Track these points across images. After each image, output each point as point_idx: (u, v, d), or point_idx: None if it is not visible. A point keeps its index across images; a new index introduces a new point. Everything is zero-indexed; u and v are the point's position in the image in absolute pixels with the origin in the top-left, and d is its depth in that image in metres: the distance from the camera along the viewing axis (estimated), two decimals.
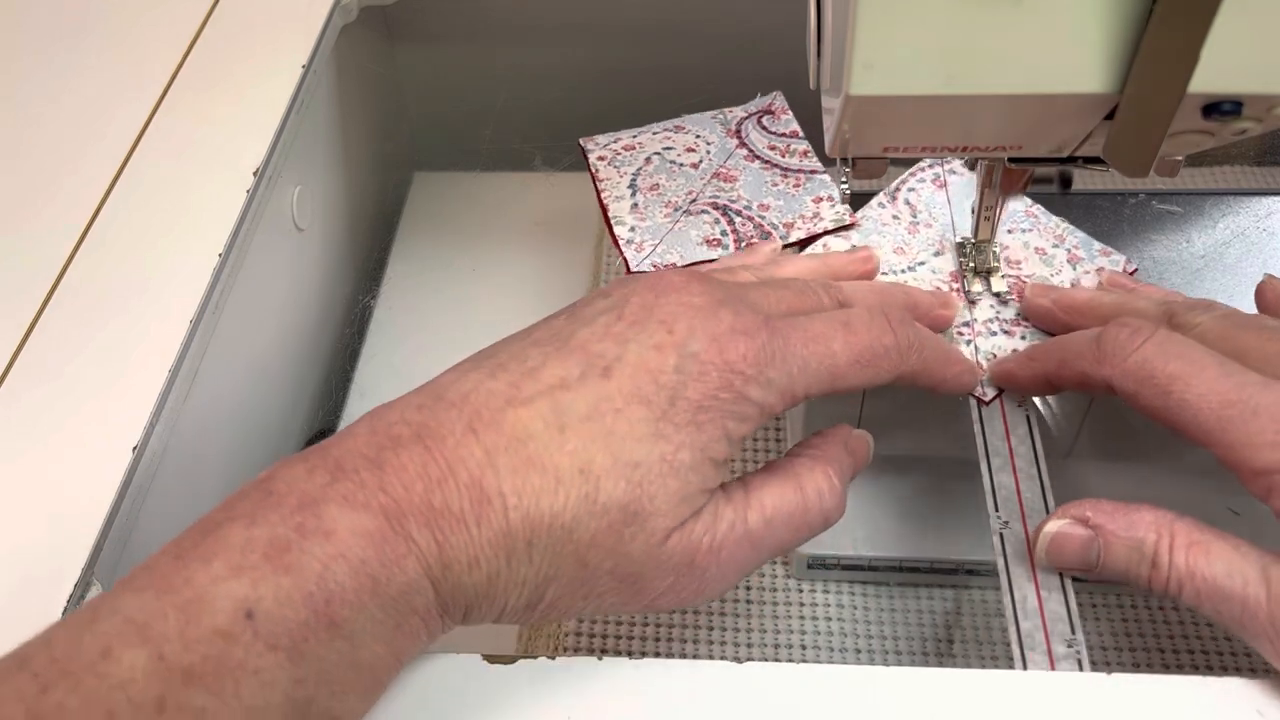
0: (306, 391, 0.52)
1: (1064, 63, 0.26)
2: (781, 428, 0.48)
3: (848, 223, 0.42)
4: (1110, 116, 0.27)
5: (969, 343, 0.38)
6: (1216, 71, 0.25)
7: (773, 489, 0.30)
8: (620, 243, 0.42)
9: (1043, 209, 0.42)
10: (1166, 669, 0.40)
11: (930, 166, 0.44)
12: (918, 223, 0.42)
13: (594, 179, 0.45)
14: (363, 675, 0.25)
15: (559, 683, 0.29)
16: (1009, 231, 0.41)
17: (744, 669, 0.29)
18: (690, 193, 0.43)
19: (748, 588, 0.43)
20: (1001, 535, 0.33)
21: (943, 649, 0.41)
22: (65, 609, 0.30)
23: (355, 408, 0.51)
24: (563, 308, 0.32)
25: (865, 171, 0.35)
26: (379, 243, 0.60)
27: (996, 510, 0.34)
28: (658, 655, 0.41)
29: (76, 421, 0.34)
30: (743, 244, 0.42)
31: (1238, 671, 0.40)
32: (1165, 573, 0.29)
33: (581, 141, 0.47)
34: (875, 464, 0.44)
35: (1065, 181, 0.37)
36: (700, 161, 0.45)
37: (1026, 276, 0.40)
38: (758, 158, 0.45)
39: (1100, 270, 0.39)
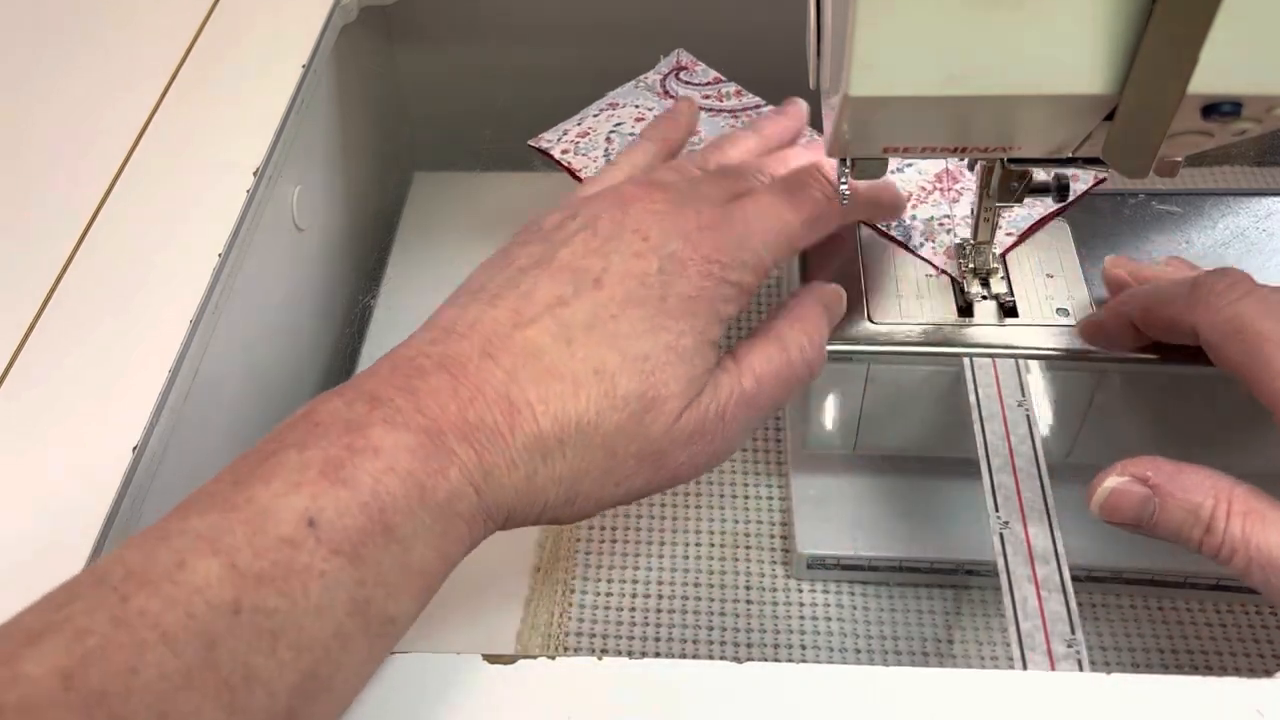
0: (306, 391, 0.52)
1: (1064, 63, 0.26)
2: (781, 415, 0.48)
3: (818, 140, 0.44)
4: (1110, 117, 0.27)
5: (949, 231, 0.41)
6: (1216, 72, 0.25)
7: (758, 352, 0.33)
8: None
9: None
10: (1166, 669, 0.40)
11: None
12: None
13: (570, 171, 0.46)
14: (414, 578, 0.27)
15: (559, 683, 0.29)
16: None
17: (744, 669, 0.29)
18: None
19: (748, 588, 0.43)
20: (1001, 535, 0.33)
21: (943, 649, 0.41)
22: None
23: None
24: (524, 230, 0.34)
25: (865, 171, 0.35)
26: (379, 243, 0.60)
27: (996, 510, 0.34)
28: (658, 655, 0.41)
29: (76, 421, 0.34)
30: None
31: (1237, 671, 0.40)
32: (1219, 538, 0.29)
33: (533, 143, 0.49)
34: (875, 464, 0.44)
35: (1061, 190, 0.37)
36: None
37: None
38: (702, 109, 0.47)
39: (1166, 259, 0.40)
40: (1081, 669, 0.30)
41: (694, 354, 0.31)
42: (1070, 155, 0.31)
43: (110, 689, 0.22)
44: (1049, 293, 0.40)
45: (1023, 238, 0.41)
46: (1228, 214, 0.42)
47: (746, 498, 0.46)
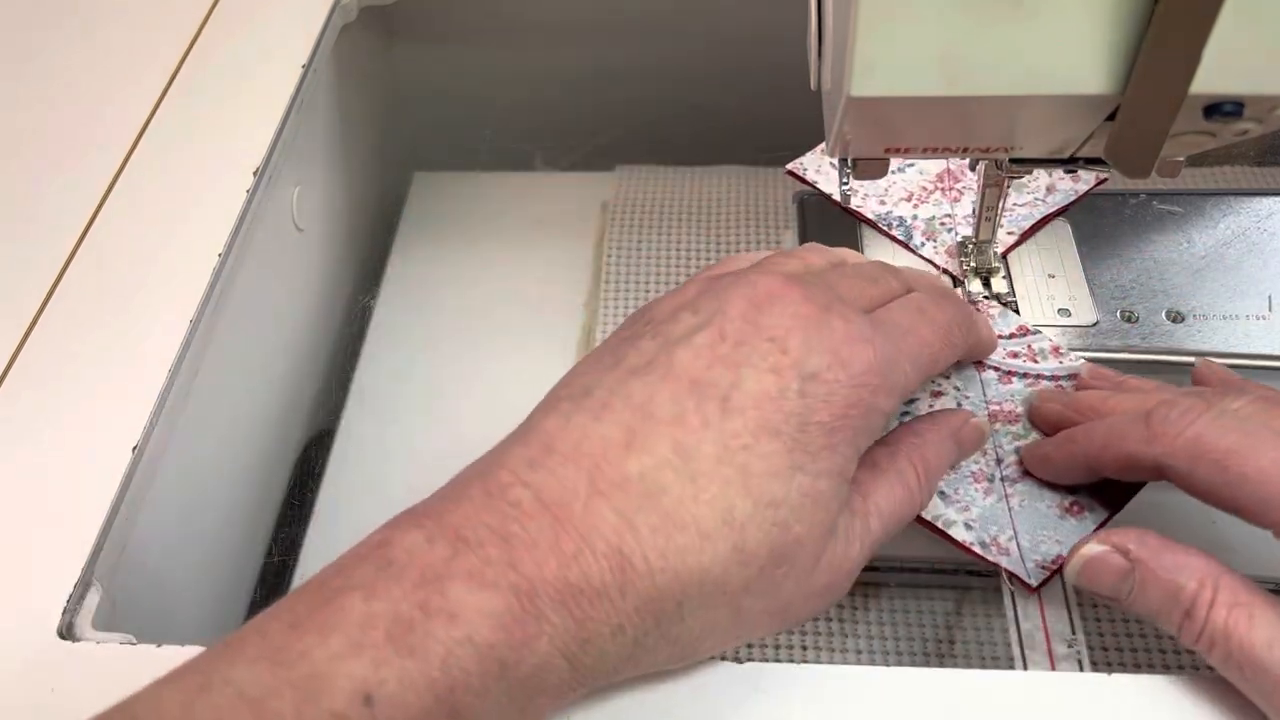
0: (306, 392, 0.52)
1: (1065, 64, 0.26)
2: None
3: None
4: (1111, 118, 0.27)
5: (950, 230, 0.39)
6: (1218, 72, 0.25)
7: (882, 489, 0.30)
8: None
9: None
10: (1166, 669, 0.40)
11: None
12: None
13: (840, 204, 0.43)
14: None
15: None
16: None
17: (744, 669, 0.29)
18: (984, 451, 0.35)
19: None
20: None
21: (943, 649, 0.41)
22: (65, 609, 0.30)
23: (355, 408, 0.51)
24: (631, 321, 0.30)
25: (866, 171, 0.35)
26: (379, 243, 0.60)
27: None
28: None
29: (76, 421, 0.34)
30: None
31: None
32: (1199, 626, 0.27)
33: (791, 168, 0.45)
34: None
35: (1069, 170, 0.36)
36: (960, 405, 0.37)
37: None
38: (1011, 374, 0.37)
39: (1085, 368, 0.37)
40: (1082, 669, 0.30)
41: (831, 498, 0.27)
42: (1072, 155, 0.31)
43: None
44: (1050, 293, 0.40)
45: (1024, 237, 0.41)
46: (1229, 214, 0.42)
47: None
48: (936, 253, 0.41)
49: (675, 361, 0.27)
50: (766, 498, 0.26)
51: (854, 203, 0.44)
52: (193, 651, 0.29)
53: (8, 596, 0.30)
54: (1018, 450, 0.35)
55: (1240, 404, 0.29)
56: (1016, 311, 0.39)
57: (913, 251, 0.41)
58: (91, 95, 0.45)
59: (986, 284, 0.40)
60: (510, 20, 0.62)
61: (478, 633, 0.23)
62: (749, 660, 0.29)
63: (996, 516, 0.33)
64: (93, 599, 0.31)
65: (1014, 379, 0.37)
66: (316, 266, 0.53)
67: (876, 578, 0.43)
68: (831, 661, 0.41)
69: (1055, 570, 0.32)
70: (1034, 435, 0.35)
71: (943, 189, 0.44)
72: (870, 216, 0.43)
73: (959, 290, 0.40)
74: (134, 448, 0.33)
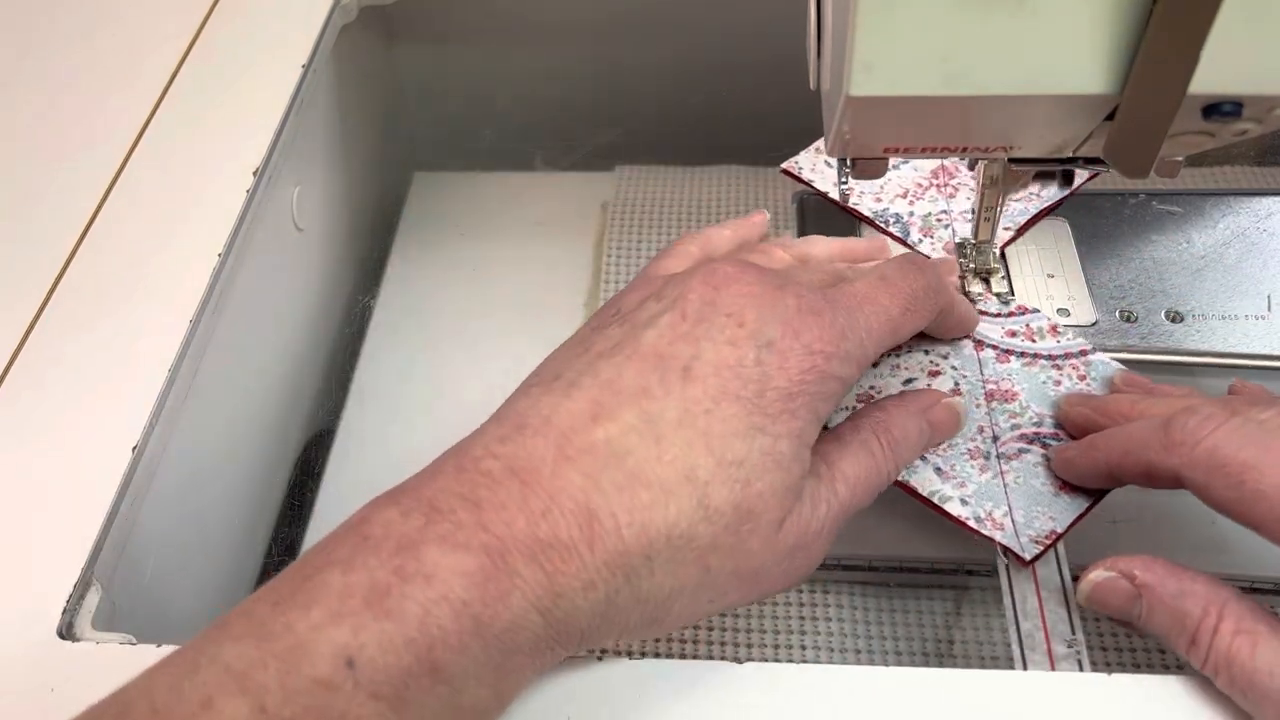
0: (306, 391, 0.52)
1: (1064, 64, 0.26)
2: None
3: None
4: (1110, 117, 0.27)
5: (947, 226, 0.39)
6: (1216, 72, 0.25)
7: (847, 458, 0.31)
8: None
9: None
10: (1166, 669, 0.40)
11: None
12: None
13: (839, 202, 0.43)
14: (465, 718, 0.24)
15: (560, 683, 0.29)
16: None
17: (744, 669, 0.29)
18: (981, 429, 0.36)
19: None
20: None
21: (943, 649, 0.41)
22: (65, 608, 0.30)
23: (355, 408, 0.51)
24: (599, 313, 0.31)
25: (865, 171, 0.35)
26: (379, 243, 0.60)
27: None
28: (658, 655, 0.41)
29: (76, 421, 0.34)
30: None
31: None
32: (1204, 653, 0.27)
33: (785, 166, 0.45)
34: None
35: (1067, 178, 0.37)
36: (958, 384, 0.37)
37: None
38: (1010, 353, 0.38)
39: (1119, 376, 0.37)
40: (1081, 669, 0.30)
41: (792, 460, 0.28)
42: (1071, 155, 0.31)
43: None
44: (1049, 292, 0.40)
45: (1021, 231, 0.41)
46: (1228, 214, 0.42)
47: None
48: (934, 249, 0.41)
49: (641, 341, 0.28)
50: (728, 457, 0.27)
51: (851, 200, 0.44)
52: None
53: (8, 596, 0.30)
54: (1014, 428, 0.35)
55: (1269, 415, 0.29)
56: None
57: (909, 247, 0.41)
58: (91, 95, 0.45)
59: (986, 284, 0.40)
60: (510, 20, 0.62)
61: (452, 591, 0.24)
62: (749, 660, 0.29)
63: (992, 493, 0.34)
64: (93, 599, 0.31)
65: (1011, 358, 0.37)
66: (316, 266, 0.53)
67: (876, 578, 0.43)
68: (831, 661, 0.41)
69: (1049, 545, 0.32)
70: (1029, 413, 0.36)
71: (938, 185, 0.44)
72: (867, 214, 0.43)
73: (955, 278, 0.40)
74: (134, 448, 0.34)
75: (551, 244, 0.57)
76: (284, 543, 0.47)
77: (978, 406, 0.36)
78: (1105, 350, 0.38)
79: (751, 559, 0.27)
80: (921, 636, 0.41)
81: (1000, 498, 0.34)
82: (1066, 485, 0.34)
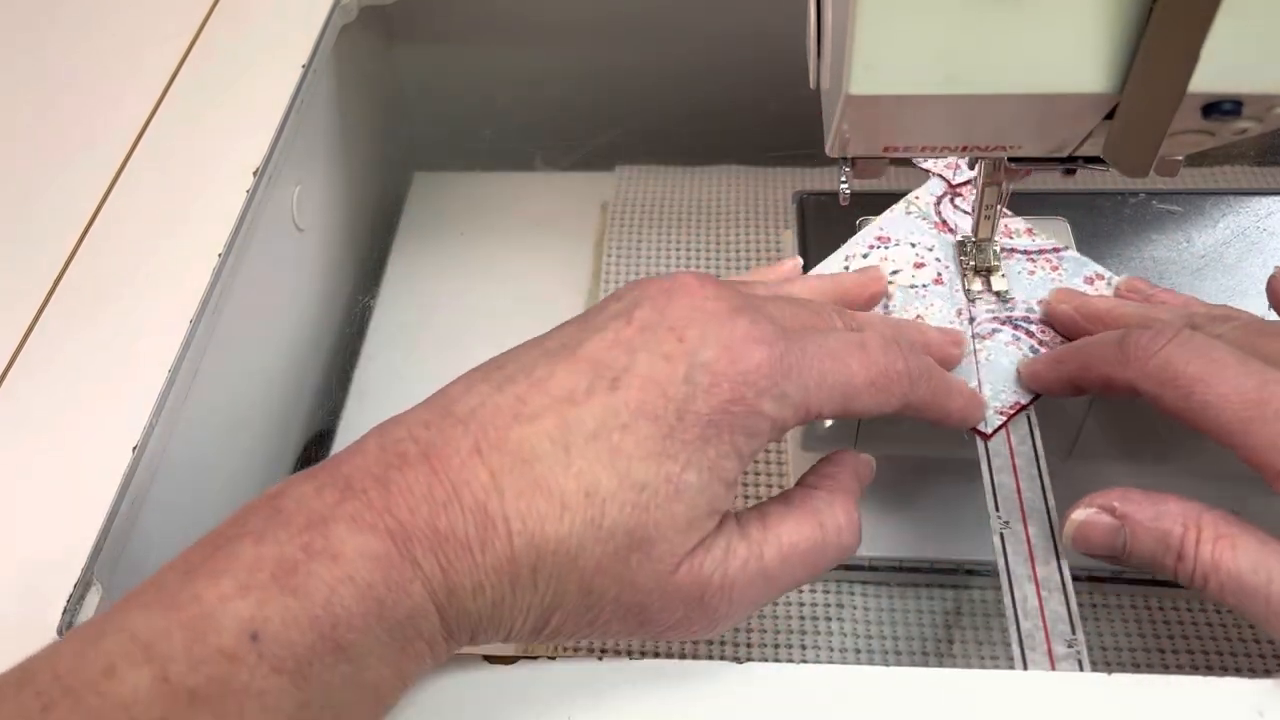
0: (306, 391, 0.52)
1: (1064, 63, 0.26)
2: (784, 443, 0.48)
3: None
4: (1110, 116, 0.27)
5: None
6: (1216, 71, 0.25)
7: (790, 525, 0.29)
8: None
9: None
10: (1166, 669, 0.40)
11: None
12: None
13: None
14: (366, 698, 0.25)
15: (559, 683, 0.29)
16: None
17: (744, 669, 0.29)
18: (959, 312, 0.38)
19: None
20: (1001, 535, 0.33)
21: (943, 649, 0.41)
22: (65, 609, 0.30)
23: (355, 408, 0.51)
24: (582, 312, 0.31)
25: (865, 171, 0.35)
26: (379, 243, 0.60)
27: (997, 510, 0.34)
28: (658, 655, 0.41)
29: (76, 421, 0.34)
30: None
31: (1238, 671, 0.40)
32: (1190, 565, 0.29)
33: None
34: (875, 464, 0.44)
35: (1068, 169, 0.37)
36: (941, 274, 0.39)
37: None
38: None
39: (1122, 281, 0.39)
40: (1082, 669, 0.30)
41: (697, 492, 0.27)
42: (1070, 154, 0.31)
43: None
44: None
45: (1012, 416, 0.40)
46: (1228, 213, 0.42)
47: (746, 498, 0.46)
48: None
49: (583, 344, 0.28)
50: (632, 478, 0.26)
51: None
52: None
53: (8, 596, 0.30)
54: (989, 311, 0.38)
55: (1224, 329, 0.31)
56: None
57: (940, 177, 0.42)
58: (92, 95, 0.45)
59: (986, 282, 0.40)
60: (510, 20, 0.62)
61: (357, 573, 0.24)
62: (749, 660, 0.29)
63: (964, 371, 0.37)
64: (93, 598, 0.31)
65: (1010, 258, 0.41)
66: (316, 266, 0.53)
67: (876, 577, 0.43)
68: (831, 661, 0.41)
69: (1011, 416, 0.36)
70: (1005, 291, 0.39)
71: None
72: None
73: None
74: (134, 448, 0.34)
75: (551, 244, 0.57)
76: None
77: (957, 292, 0.39)
78: None
79: (637, 592, 0.26)
80: (921, 636, 0.41)
81: (971, 374, 0.36)
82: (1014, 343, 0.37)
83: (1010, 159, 0.35)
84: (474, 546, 0.25)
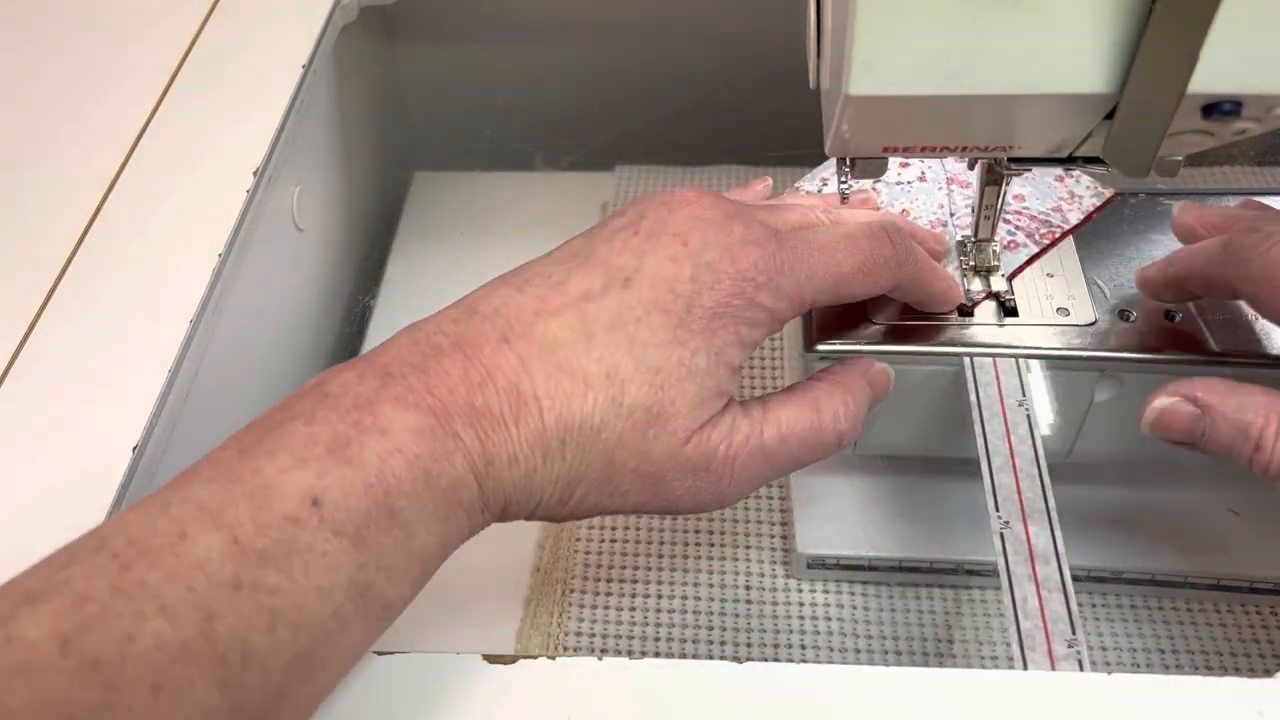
0: None
1: (1064, 63, 0.26)
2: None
3: (1108, 195, 0.42)
4: (1110, 116, 0.27)
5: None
6: (1216, 71, 0.25)
7: (790, 408, 0.32)
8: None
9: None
10: (1166, 669, 0.40)
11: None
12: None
13: None
14: (414, 563, 0.27)
15: (559, 683, 0.29)
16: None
17: (744, 669, 0.29)
18: (941, 205, 0.42)
19: (748, 588, 0.43)
20: (1001, 535, 0.33)
21: (943, 649, 0.41)
22: None
23: None
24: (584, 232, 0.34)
25: (865, 171, 0.35)
26: (379, 243, 0.60)
27: (996, 510, 0.34)
28: (658, 655, 0.41)
29: (76, 421, 0.34)
30: (1035, 237, 0.41)
31: (1237, 671, 0.40)
32: (1267, 455, 0.30)
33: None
34: (875, 464, 0.44)
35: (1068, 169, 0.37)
36: (924, 173, 0.44)
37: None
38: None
39: (1248, 201, 0.40)
40: (1082, 669, 0.30)
41: (706, 374, 0.30)
42: (1070, 154, 0.31)
43: (106, 656, 0.22)
44: (1049, 292, 0.40)
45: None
46: None
47: (746, 497, 0.46)
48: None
49: (594, 252, 0.31)
50: (647, 362, 0.29)
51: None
52: None
53: None
54: (969, 207, 0.41)
55: None
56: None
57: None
58: (92, 95, 0.45)
59: (986, 282, 0.40)
60: (510, 20, 0.62)
61: (405, 445, 0.26)
62: (749, 660, 0.29)
63: (948, 258, 0.40)
64: None
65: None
66: (316, 266, 0.53)
67: (876, 577, 0.43)
68: (831, 661, 0.41)
69: (988, 295, 0.39)
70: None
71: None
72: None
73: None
74: (134, 448, 0.34)
75: (551, 244, 0.57)
76: None
77: (940, 190, 0.42)
78: (1104, 349, 0.38)
79: (653, 463, 0.30)
80: (921, 636, 0.41)
81: (953, 260, 0.40)
82: (1010, 244, 0.40)
83: (1010, 159, 0.35)
84: (509, 421, 0.28)
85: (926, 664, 0.40)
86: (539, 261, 0.32)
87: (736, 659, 0.29)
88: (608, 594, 0.43)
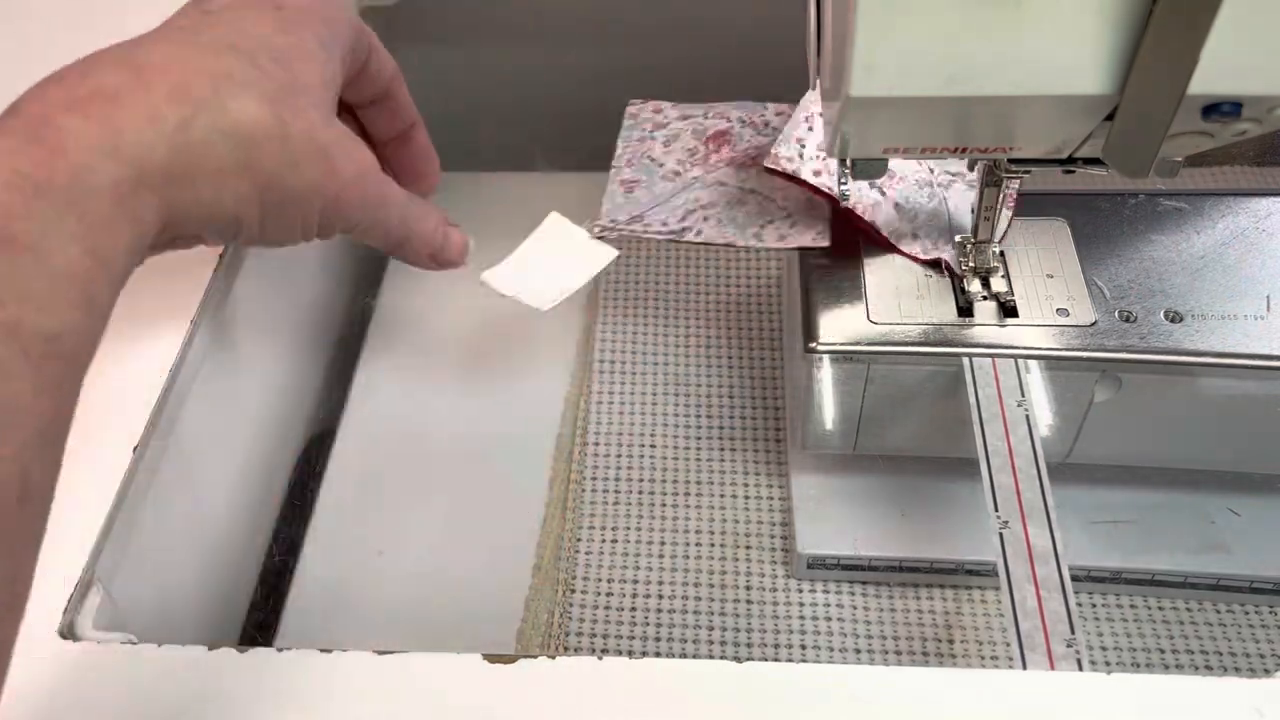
0: (306, 391, 0.52)
1: (1064, 64, 0.26)
2: (783, 444, 0.48)
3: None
4: (1110, 118, 0.27)
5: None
6: (1216, 73, 0.25)
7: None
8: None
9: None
10: (1166, 669, 0.40)
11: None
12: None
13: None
14: (63, 284, 0.24)
15: (559, 683, 0.29)
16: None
17: (744, 669, 0.29)
18: (930, 167, 0.44)
19: (748, 588, 0.43)
20: (1001, 535, 0.33)
21: (943, 649, 0.41)
22: (65, 609, 0.30)
23: (355, 408, 0.51)
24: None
25: (865, 172, 0.35)
26: None
27: (996, 510, 0.34)
28: (658, 655, 0.41)
29: (77, 421, 0.34)
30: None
31: (1237, 671, 0.40)
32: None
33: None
34: (875, 464, 0.44)
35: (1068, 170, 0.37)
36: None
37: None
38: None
39: None
40: (1081, 669, 0.30)
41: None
42: (1070, 155, 0.31)
43: None
44: (1049, 292, 0.40)
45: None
46: (1228, 214, 0.42)
47: (747, 498, 0.46)
48: (929, 251, 0.41)
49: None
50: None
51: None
52: (193, 652, 0.30)
53: None
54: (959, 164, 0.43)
55: None
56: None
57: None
58: None
59: (985, 284, 0.40)
60: (510, 21, 0.62)
61: (2, 169, 0.23)
62: (749, 660, 0.29)
63: (937, 217, 0.41)
64: (94, 599, 0.31)
65: None
66: (316, 266, 0.53)
67: (876, 577, 0.43)
68: (831, 661, 0.41)
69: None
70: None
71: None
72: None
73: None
74: (134, 448, 0.34)
75: None
76: (284, 542, 0.47)
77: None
78: (1104, 350, 0.38)
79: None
80: (922, 636, 0.41)
81: (943, 218, 0.42)
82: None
83: (1010, 160, 0.35)
84: (134, 88, 0.26)
85: (926, 664, 0.40)
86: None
87: (736, 659, 0.29)
88: (608, 594, 0.43)
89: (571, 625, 0.42)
